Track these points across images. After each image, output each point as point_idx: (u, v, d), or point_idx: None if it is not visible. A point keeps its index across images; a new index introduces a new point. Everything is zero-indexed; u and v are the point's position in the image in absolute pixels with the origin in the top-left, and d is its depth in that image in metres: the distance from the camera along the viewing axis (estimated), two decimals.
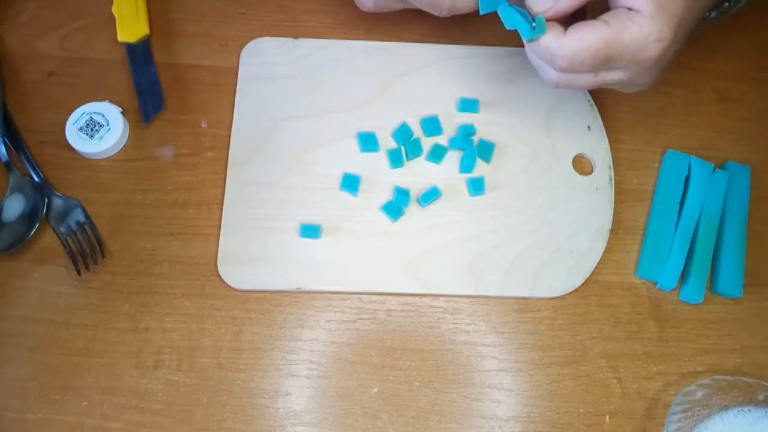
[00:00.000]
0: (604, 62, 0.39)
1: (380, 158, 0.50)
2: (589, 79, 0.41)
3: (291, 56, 0.53)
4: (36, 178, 0.49)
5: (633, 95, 0.49)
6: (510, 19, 0.41)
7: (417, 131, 0.51)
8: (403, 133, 0.51)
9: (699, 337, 0.48)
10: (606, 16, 0.39)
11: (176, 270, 0.47)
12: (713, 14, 0.50)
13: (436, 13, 0.46)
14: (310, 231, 0.48)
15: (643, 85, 0.43)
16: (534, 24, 0.40)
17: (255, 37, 0.54)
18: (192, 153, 0.51)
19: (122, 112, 0.51)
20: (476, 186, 0.49)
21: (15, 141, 0.50)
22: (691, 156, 0.51)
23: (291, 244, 0.48)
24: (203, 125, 0.51)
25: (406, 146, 0.50)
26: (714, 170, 0.51)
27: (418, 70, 0.53)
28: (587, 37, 0.38)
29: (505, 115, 0.52)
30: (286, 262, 0.47)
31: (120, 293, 0.47)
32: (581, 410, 0.46)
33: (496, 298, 0.48)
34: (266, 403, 0.45)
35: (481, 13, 0.43)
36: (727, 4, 0.49)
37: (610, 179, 0.51)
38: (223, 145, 0.50)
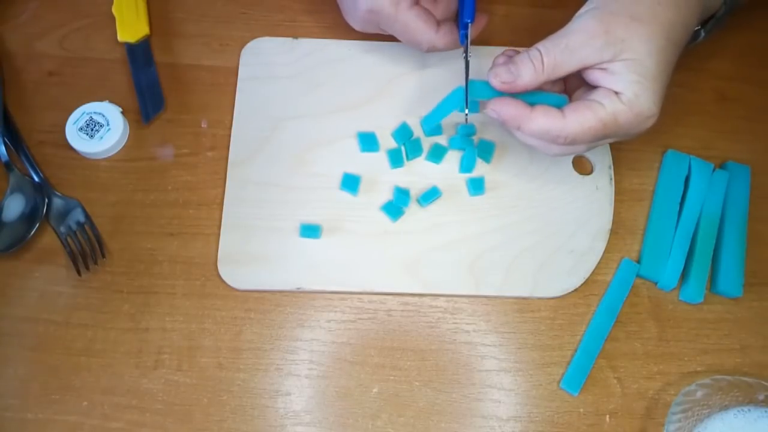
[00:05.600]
0: (602, 138, 0.43)
1: (380, 158, 0.50)
2: (585, 148, 0.44)
3: (291, 56, 0.53)
4: (36, 178, 0.49)
5: None
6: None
7: (417, 131, 0.51)
8: (403, 133, 0.51)
9: (699, 336, 0.48)
10: (599, 97, 0.41)
11: (176, 270, 0.47)
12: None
13: (416, 48, 0.50)
14: (310, 231, 0.48)
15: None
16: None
17: (255, 37, 0.54)
18: (192, 153, 0.51)
19: (122, 112, 0.51)
20: (476, 186, 0.49)
21: (15, 141, 0.50)
22: (691, 156, 0.51)
23: (291, 244, 0.48)
24: (203, 125, 0.51)
25: (406, 146, 0.50)
26: (714, 170, 0.51)
27: (418, 70, 0.53)
28: (587, 120, 0.41)
29: None
30: (286, 262, 0.47)
31: (120, 293, 0.47)
32: (581, 410, 0.46)
33: (496, 298, 0.48)
34: (266, 403, 0.45)
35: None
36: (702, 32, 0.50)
37: (610, 179, 0.51)
38: (223, 145, 0.50)
